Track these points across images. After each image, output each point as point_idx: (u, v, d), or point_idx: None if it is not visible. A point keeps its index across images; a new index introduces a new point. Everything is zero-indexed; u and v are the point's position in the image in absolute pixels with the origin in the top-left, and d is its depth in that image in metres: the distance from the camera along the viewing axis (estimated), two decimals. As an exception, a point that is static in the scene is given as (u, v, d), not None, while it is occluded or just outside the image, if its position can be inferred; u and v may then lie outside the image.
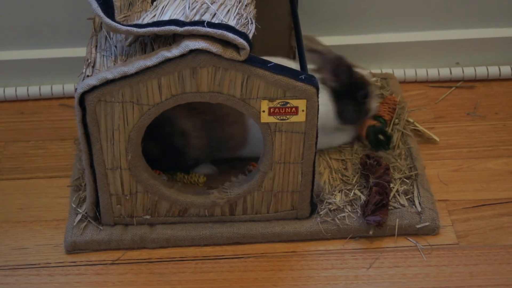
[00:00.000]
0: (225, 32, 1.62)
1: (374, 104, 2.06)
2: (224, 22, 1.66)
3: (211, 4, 1.71)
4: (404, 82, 2.35)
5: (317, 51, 2.00)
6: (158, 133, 1.88)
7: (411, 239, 1.90)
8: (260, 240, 1.90)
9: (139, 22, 1.71)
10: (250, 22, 1.70)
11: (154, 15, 1.71)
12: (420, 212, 1.92)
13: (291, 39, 2.18)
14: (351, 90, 2.01)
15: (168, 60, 1.64)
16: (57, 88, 2.30)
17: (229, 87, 1.70)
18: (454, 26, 2.33)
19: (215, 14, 1.68)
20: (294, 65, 1.93)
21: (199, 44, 1.62)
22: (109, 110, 1.71)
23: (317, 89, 1.71)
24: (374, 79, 2.09)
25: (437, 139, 2.15)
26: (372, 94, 2.04)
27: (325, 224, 1.90)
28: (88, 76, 1.69)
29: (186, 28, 1.63)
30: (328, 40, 1.98)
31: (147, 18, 1.71)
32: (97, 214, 1.89)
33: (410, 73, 2.35)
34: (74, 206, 1.95)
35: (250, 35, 1.66)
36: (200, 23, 1.63)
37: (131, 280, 1.83)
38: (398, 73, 2.34)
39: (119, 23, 1.66)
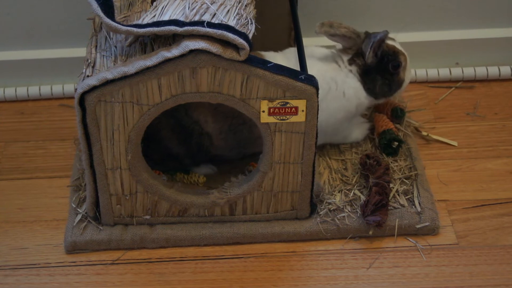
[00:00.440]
0: (225, 32, 1.62)
1: (406, 74, 2.01)
2: (224, 22, 1.66)
3: (211, 4, 1.71)
4: (404, 82, 2.35)
5: (340, 35, 1.96)
6: (184, 134, 1.89)
7: (411, 239, 1.90)
8: (260, 240, 1.90)
9: (139, 22, 1.71)
10: (250, 22, 1.70)
11: (154, 15, 1.71)
12: (420, 212, 1.92)
13: (291, 39, 2.18)
14: (382, 62, 1.98)
15: (168, 60, 1.64)
16: (57, 88, 2.30)
17: (229, 87, 1.70)
18: (454, 26, 2.33)
19: (215, 14, 1.68)
20: (280, 57, 1.95)
21: (199, 44, 1.62)
22: (109, 110, 1.71)
23: (317, 89, 1.70)
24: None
25: (455, 144, 2.14)
26: (403, 63, 2.00)
27: (325, 224, 1.90)
28: (88, 76, 1.69)
29: (186, 28, 1.63)
30: (328, 40, 1.98)
31: (147, 18, 1.71)
32: (97, 214, 1.89)
33: (410, 73, 2.35)
34: (74, 206, 1.95)
35: (250, 35, 1.66)
36: (200, 23, 1.63)
37: (131, 280, 1.83)
38: (398, 73, 2.34)
39: (119, 23, 1.66)
